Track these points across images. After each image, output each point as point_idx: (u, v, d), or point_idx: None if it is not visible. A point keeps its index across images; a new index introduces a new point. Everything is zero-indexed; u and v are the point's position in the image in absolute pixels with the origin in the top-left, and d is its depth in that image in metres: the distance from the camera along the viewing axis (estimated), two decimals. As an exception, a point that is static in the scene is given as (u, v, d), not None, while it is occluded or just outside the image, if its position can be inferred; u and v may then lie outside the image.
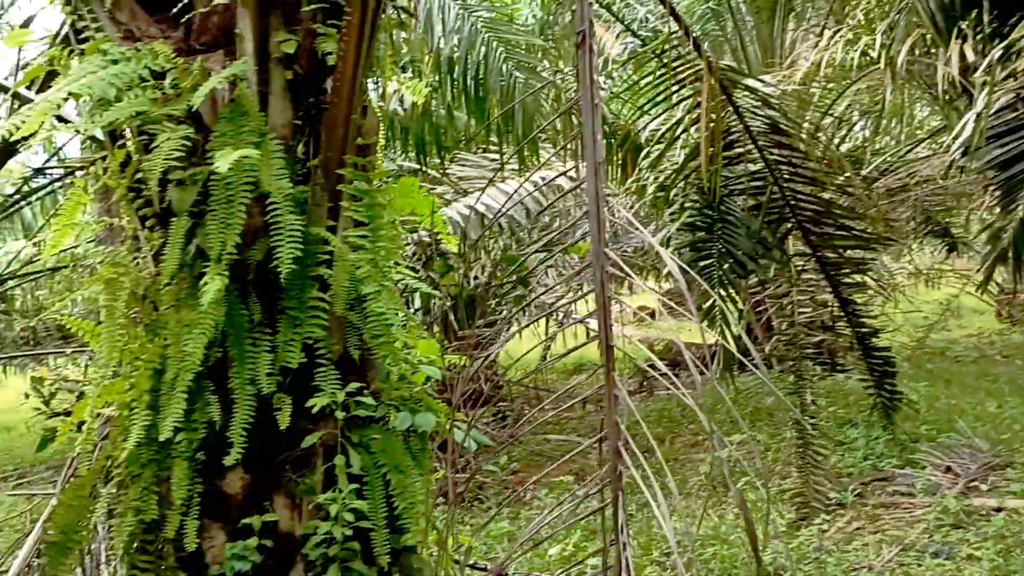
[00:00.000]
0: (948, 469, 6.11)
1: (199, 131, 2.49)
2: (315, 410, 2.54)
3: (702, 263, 5.92)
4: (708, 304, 5.81)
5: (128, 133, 2.69)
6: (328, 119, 2.61)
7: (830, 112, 8.95)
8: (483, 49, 5.59)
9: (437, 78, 6.50)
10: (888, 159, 9.50)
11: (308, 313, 2.56)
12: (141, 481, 2.54)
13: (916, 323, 13.69)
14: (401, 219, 3.40)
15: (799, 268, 6.70)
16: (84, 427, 2.63)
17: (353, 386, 2.62)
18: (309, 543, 2.53)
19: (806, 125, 8.89)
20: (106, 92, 2.30)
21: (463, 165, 9.15)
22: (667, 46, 4.95)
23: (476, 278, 10.13)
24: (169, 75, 2.43)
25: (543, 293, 8.87)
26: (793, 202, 5.93)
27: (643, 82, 5.53)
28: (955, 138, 4.37)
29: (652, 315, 18.29)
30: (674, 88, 5.40)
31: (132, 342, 2.56)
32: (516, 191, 7.51)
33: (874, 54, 6.74)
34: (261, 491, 2.62)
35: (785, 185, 5.82)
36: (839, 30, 6.94)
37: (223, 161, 2.18)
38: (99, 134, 2.72)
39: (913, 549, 4.96)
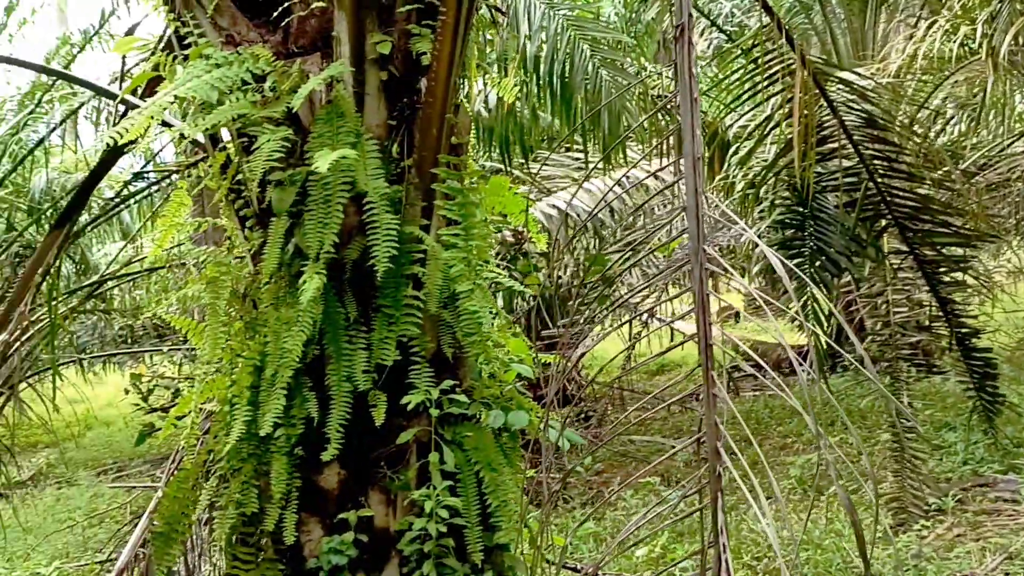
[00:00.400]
0: (1056, 475, 5.84)
1: (297, 132, 2.54)
2: (409, 407, 2.57)
3: (793, 262, 5.79)
4: (800, 303, 5.66)
5: (227, 136, 2.76)
6: (422, 119, 2.63)
7: (926, 106, 8.66)
8: (568, 47, 5.57)
9: (522, 77, 6.51)
10: (986, 154, 9.14)
11: (403, 311, 2.58)
12: (242, 475, 2.60)
13: (1017, 323, 13.17)
14: (489, 218, 3.42)
15: (895, 266, 6.50)
16: (188, 422, 2.71)
17: (447, 383, 2.63)
18: (404, 539, 2.56)
19: (901, 119, 8.63)
20: (209, 96, 2.36)
21: (547, 164, 9.15)
22: (757, 40, 4.84)
23: (560, 278, 10.13)
24: (268, 78, 2.49)
25: (631, 295, 8.79)
26: (889, 198, 5.75)
27: (731, 78, 5.42)
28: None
29: (736, 315, 18.11)
30: (764, 83, 5.29)
31: (233, 339, 2.62)
32: (608, 190, 7.47)
33: (973, 45, 6.50)
34: (356, 486, 2.66)
35: (880, 181, 5.64)
36: (935, 21, 6.69)
37: (322, 161, 2.22)
38: (200, 137, 2.80)
39: (1019, 558, 4.76)
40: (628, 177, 8.38)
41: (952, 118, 9.55)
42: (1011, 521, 5.34)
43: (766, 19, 4.65)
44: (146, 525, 2.93)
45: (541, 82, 6.30)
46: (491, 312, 2.60)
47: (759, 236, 6.19)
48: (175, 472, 2.90)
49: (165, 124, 2.94)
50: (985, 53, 5.79)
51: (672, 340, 10.91)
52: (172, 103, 2.30)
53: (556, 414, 3.13)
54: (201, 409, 2.79)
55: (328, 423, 2.53)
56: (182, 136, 2.54)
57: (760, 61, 5.21)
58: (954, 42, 6.47)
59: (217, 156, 2.72)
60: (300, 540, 2.63)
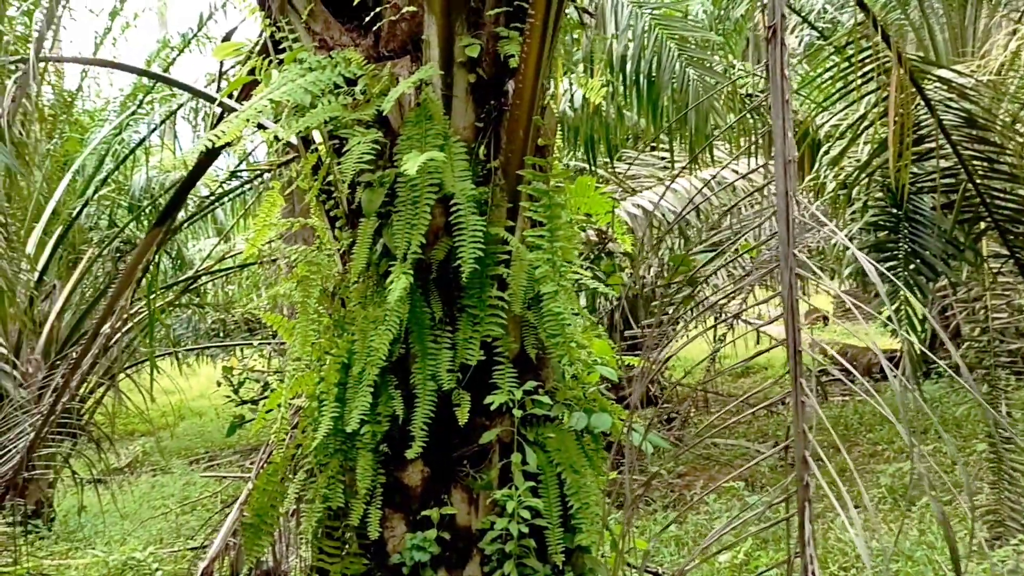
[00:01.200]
0: None
1: (387, 135, 2.58)
2: (492, 407, 2.59)
3: (886, 265, 5.63)
4: (893, 307, 5.50)
5: (319, 137, 2.83)
6: (509, 121, 2.64)
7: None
8: (655, 46, 5.52)
9: (608, 76, 6.47)
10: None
11: (487, 312, 2.60)
12: (328, 470, 2.66)
13: None
14: (575, 219, 3.41)
15: (994, 271, 6.26)
16: (277, 416, 2.78)
17: (530, 384, 2.65)
18: (486, 538, 2.58)
19: (1003, 118, 8.29)
20: (303, 99, 2.42)
21: (631, 163, 9.10)
22: (852, 37, 4.71)
23: (643, 278, 10.05)
24: (360, 81, 2.54)
25: (720, 298, 8.67)
26: (989, 200, 5.53)
27: (824, 76, 5.29)
28: None
29: (825, 319, 17.62)
30: (859, 82, 5.14)
31: (322, 337, 2.68)
32: (696, 191, 7.38)
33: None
34: (439, 484, 2.69)
35: (980, 182, 5.43)
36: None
37: (411, 164, 2.25)
38: (293, 139, 2.87)
39: (1125, 579, 4.53)
40: (716, 178, 8.27)
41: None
42: (1117, 539, 5.08)
43: (860, 15, 4.52)
44: (237, 515, 3.02)
45: (627, 81, 6.25)
46: (575, 313, 2.60)
47: (851, 238, 6.05)
48: (264, 465, 2.98)
49: (260, 126, 3.03)
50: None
51: (758, 343, 10.73)
52: (267, 106, 2.36)
53: (639, 417, 3.11)
54: (290, 404, 2.86)
55: (412, 421, 2.57)
56: (276, 138, 2.61)
57: (854, 59, 5.07)
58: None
59: (309, 158, 2.79)
60: (384, 535, 2.68)
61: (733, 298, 8.86)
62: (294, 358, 2.68)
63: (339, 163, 2.50)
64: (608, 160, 8.34)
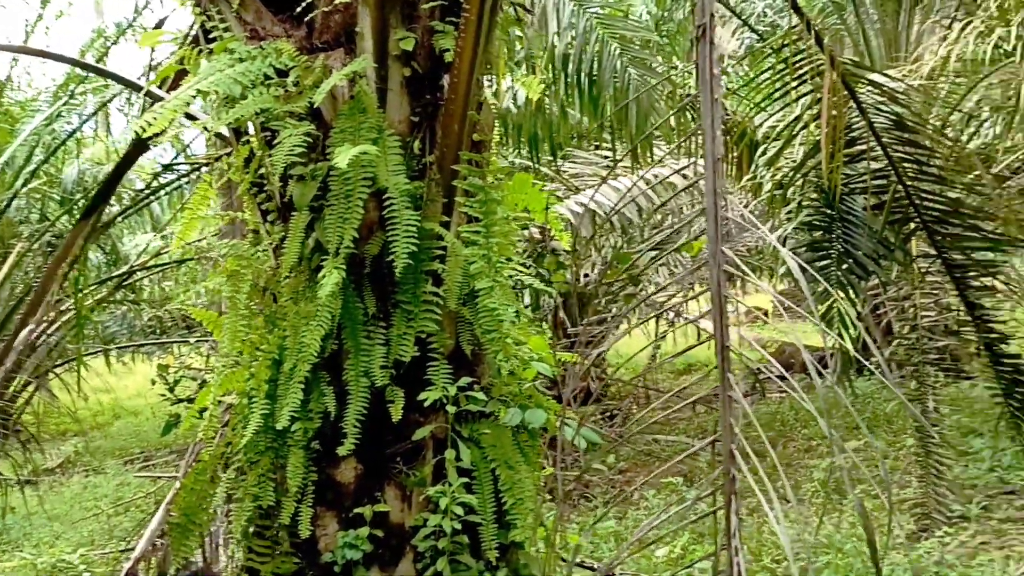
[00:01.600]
0: (1085, 486, 5.74)
1: (319, 127, 2.55)
2: (427, 404, 2.57)
3: (820, 263, 5.74)
4: (826, 306, 5.61)
5: (252, 130, 2.78)
6: (444, 115, 2.63)
7: (959, 109, 8.54)
8: (597, 45, 5.55)
9: (551, 75, 6.49)
10: (1021, 157, 8.99)
11: (421, 307, 2.59)
12: (259, 468, 2.62)
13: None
14: (514, 216, 3.41)
15: (923, 270, 6.42)
16: (206, 414, 2.73)
17: (464, 381, 2.64)
18: (419, 535, 2.56)
19: (933, 122, 8.50)
20: (232, 90, 2.38)
21: (575, 162, 9.12)
22: (787, 40, 4.79)
23: (587, 276, 10.11)
24: (292, 73, 2.50)
25: (655, 293, 8.77)
26: (918, 201, 5.67)
27: (761, 78, 5.37)
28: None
29: (765, 316, 17.94)
30: (793, 84, 5.23)
31: (252, 333, 2.64)
32: (629, 189, 7.45)
33: (1008, 47, 6.41)
34: (372, 482, 2.67)
35: (909, 183, 5.57)
36: (969, 22, 6.59)
37: (342, 157, 2.22)
38: (224, 131, 2.82)
39: (1045, 568, 4.69)
40: (656, 175, 8.35)
41: (985, 121, 9.42)
42: (1037, 530, 5.26)
43: (795, 19, 4.60)
44: (164, 515, 2.96)
45: (569, 80, 6.28)
46: (511, 310, 2.59)
47: (786, 238, 6.15)
48: (193, 464, 2.93)
49: (190, 117, 2.97)
50: (1020, 56, 5.69)
51: (699, 339, 10.86)
52: (195, 97, 2.32)
53: (575, 413, 3.12)
54: (220, 402, 2.81)
55: (345, 418, 2.54)
56: (207, 129, 2.56)
57: (789, 61, 5.16)
58: (988, 44, 6.37)
59: (240, 150, 2.74)
60: (315, 534, 2.64)
61: (672, 295, 8.97)
62: (223, 354, 2.63)
63: (270, 155, 2.46)
64: (552, 158, 8.37)
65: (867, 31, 10.13)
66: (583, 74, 5.92)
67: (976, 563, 4.86)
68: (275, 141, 2.46)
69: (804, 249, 5.83)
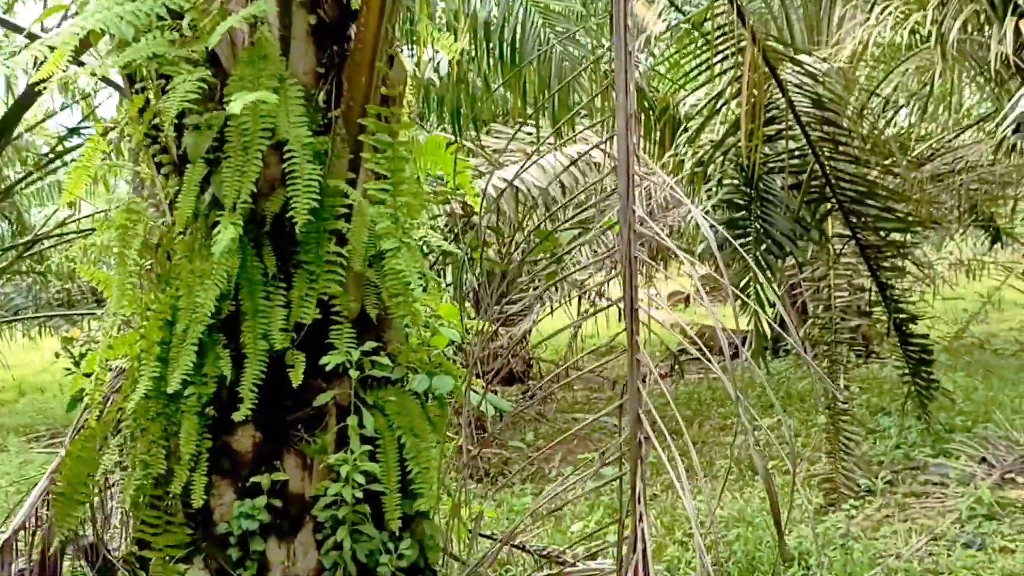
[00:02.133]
0: (983, 460, 5.93)
1: (217, 75, 2.41)
2: (328, 368, 2.47)
3: (739, 242, 5.78)
4: (742, 284, 5.65)
5: (148, 78, 2.62)
6: (351, 66, 2.52)
7: (876, 93, 8.71)
8: (520, 14, 5.46)
9: (473, 45, 6.37)
10: (934, 145, 9.24)
11: (324, 268, 2.48)
12: (149, 434, 2.49)
13: (956, 314, 13.43)
14: (433, 187, 3.32)
15: (838, 251, 6.53)
16: (93, 378, 2.58)
17: (369, 345, 2.54)
18: (319, 504, 2.46)
19: (852, 105, 8.64)
20: (123, 31, 2.22)
21: (499, 137, 9.03)
22: (708, 15, 4.77)
23: (510, 253, 10.04)
24: (188, 15, 2.35)
25: (575, 271, 8.75)
26: (834, 182, 5.75)
27: (686, 54, 5.35)
28: (1006, 116, 4.18)
29: (687, 299, 18.16)
30: (715, 60, 5.23)
31: (144, 292, 2.49)
32: (566, 168, 7.39)
33: (924, 32, 6.52)
34: (271, 449, 2.56)
35: (826, 163, 5.64)
36: (887, 7, 6.69)
37: (237, 103, 2.10)
38: (119, 79, 2.65)
39: (944, 539, 4.81)
40: (579, 152, 8.31)
41: (902, 106, 9.64)
42: (938, 504, 5.40)
43: (719, -6, 4.58)
44: (47, 485, 2.80)
45: (493, 51, 6.18)
46: (420, 273, 2.50)
47: (707, 214, 6.17)
48: (81, 431, 2.77)
49: (78, 63, 2.78)
50: (934, 41, 5.79)
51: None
52: (79, 35, 2.15)
53: (492, 389, 3.06)
54: (110, 365, 2.66)
55: (242, 383, 2.42)
56: (94, 75, 2.39)
57: (711, 37, 5.15)
58: (905, 29, 6.48)
59: (135, 99, 2.58)
60: (210, 504, 2.52)
61: (592, 274, 8.97)
62: (111, 313, 2.48)
63: (163, 103, 2.32)
64: (475, 133, 8.26)
65: (790, 15, 10.25)
66: (505, 45, 5.81)
67: (880, 535, 4.96)
68: (168, 87, 2.32)
69: (723, 227, 5.87)
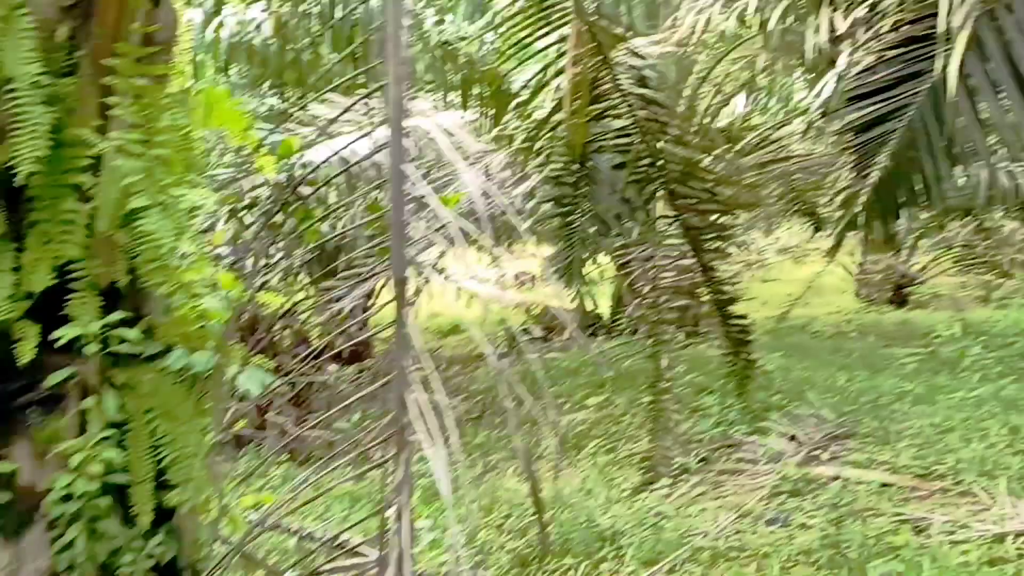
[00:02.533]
0: (793, 438, 6.14)
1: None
2: (60, 343, 2.16)
3: (569, 219, 5.73)
4: (565, 263, 5.58)
5: None
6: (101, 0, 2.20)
7: (706, 80, 8.87)
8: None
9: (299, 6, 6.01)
10: (763, 134, 9.52)
11: (62, 228, 2.16)
12: None
13: (782, 299, 14.04)
14: (251, 157, 3.01)
15: (664, 232, 6.60)
16: None
17: (114, 317, 2.24)
18: (49, 497, 2.16)
19: (687, 90, 8.77)
20: None
21: (336, 107, 8.66)
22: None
23: (344, 227, 9.69)
24: None
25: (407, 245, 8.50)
26: (660, 162, 5.77)
27: (511, 25, 5.21)
28: (815, 99, 4.26)
29: (532, 280, 18.20)
30: (543, 32, 5.11)
31: None
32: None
33: (751, 21, 6.65)
34: (-2, 436, 2.23)
35: (652, 144, 5.64)
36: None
37: (-67, 26, 1.76)
38: None
39: (750, 516, 4.93)
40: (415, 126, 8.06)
41: (732, 95, 9.88)
42: (749, 480, 5.54)
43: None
44: None
45: (320, 10, 5.83)
46: (177, 236, 2.22)
47: (534, 192, 6.08)
48: None
49: None
50: (758, 25, 5.89)
51: (457, 299, 10.78)
52: None
53: (252, 359, 2.81)
54: None
55: (-42, 358, 2.09)
56: None
57: (541, 7, 5.02)
58: (730, 16, 6.57)
59: None
60: (-79, 499, 2.17)
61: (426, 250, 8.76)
62: None
63: None
64: (303, 100, 7.89)
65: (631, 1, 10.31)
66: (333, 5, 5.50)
67: (691, 512, 5.04)
68: None
69: (551, 204, 5.80)
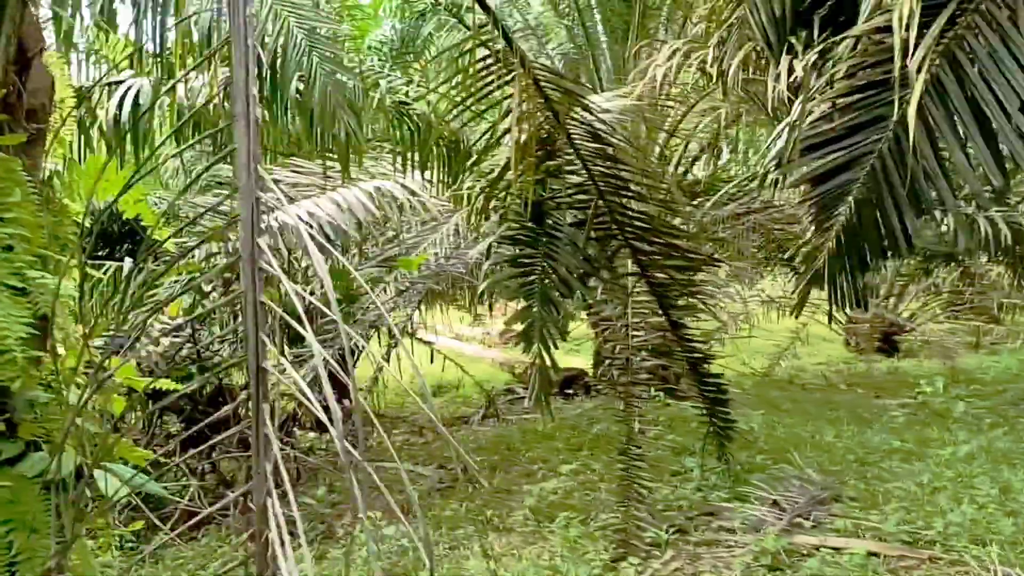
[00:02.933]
0: (775, 503, 5.82)
1: None
2: None
3: (524, 279, 5.50)
4: (526, 325, 5.34)
5: None
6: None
7: (675, 132, 8.75)
8: (283, 34, 4.99)
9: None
10: (740, 184, 9.37)
11: None
12: None
13: (768, 351, 13.80)
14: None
15: (631, 289, 6.37)
16: None
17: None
18: None
19: (655, 144, 8.64)
20: None
21: (299, 171, 8.51)
22: (474, 40, 4.46)
23: (312, 292, 9.47)
24: None
25: (367, 311, 8.27)
26: (620, 218, 5.57)
27: (450, 84, 5.03)
28: (769, 149, 4.05)
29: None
30: (489, 88, 4.93)
31: None
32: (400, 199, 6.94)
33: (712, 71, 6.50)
34: None
35: (610, 199, 5.44)
36: (675, 47, 6.66)
37: None
38: None
39: (727, 594, 4.61)
40: (378, 188, 7.91)
41: (708, 147, 9.76)
42: (727, 553, 5.22)
43: (481, 15, 4.28)
44: None
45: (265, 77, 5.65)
46: (20, 323, 1.97)
47: (490, 249, 5.85)
48: None
49: None
50: (715, 76, 5.73)
51: (432, 359, 10.49)
52: None
53: (150, 452, 2.53)
54: None
55: None
56: None
57: (480, 64, 4.84)
58: (691, 66, 6.44)
59: None
60: None
61: (389, 312, 8.51)
62: None
63: None
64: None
65: (597, 57, 10.27)
66: (265, 66, 5.32)
67: (664, 591, 4.72)
68: None
69: (508, 264, 5.57)
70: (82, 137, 6.48)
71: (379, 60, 11.83)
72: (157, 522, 4.71)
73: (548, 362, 5.32)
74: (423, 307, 10.47)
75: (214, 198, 8.44)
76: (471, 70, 4.70)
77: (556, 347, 5.37)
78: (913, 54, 3.78)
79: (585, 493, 6.84)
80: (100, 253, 10.95)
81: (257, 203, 1.62)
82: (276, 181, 8.21)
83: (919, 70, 3.66)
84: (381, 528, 6.01)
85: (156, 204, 11.57)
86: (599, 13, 10.47)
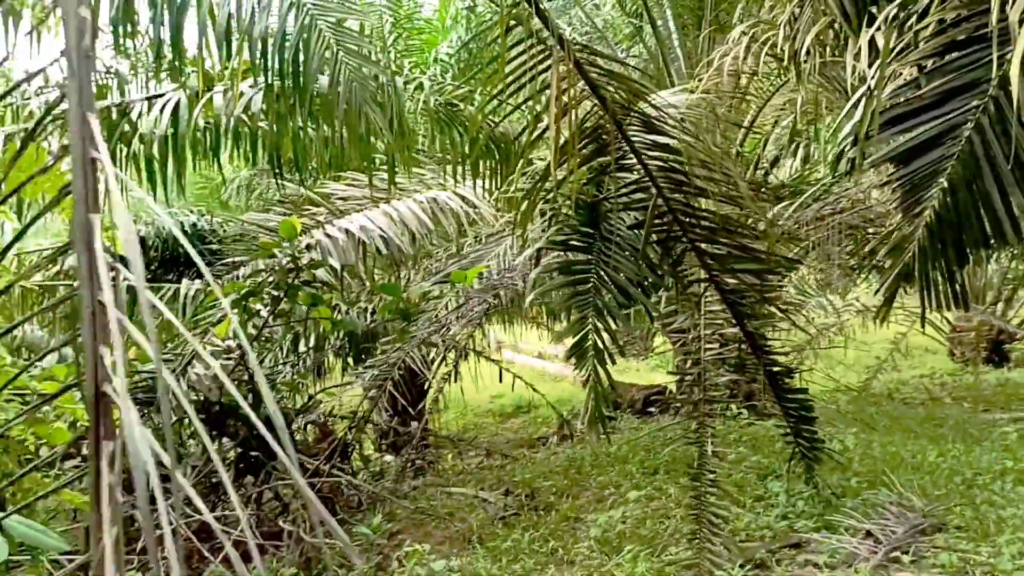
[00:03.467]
0: (868, 534, 5.14)
1: None
2: None
3: (577, 288, 4.99)
4: (578, 338, 4.82)
5: None
6: None
7: (746, 127, 8.14)
8: (303, 28, 4.63)
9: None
10: (823, 186, 8.67)
11: None
12: None
13: (865, 365, 12.93)
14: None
15: (702, 298, 5.81)
16: None
17: None
18: None
19: (724, 139, 8.03)
20: None
21: (356, 185, 8.22)
22: (505, 20, 3.99)
23: (368, 310, 9.17)
24: None
25: (434, 327, 7.88)
26: (684, 218, 5.01)
27: (485, 72, 4.57)
28: (842, 125, 3.47)
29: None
30: (530, 74, 4.45)
31: None
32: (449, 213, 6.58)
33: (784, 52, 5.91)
34: None
35: (671, 196, 4.89)
36: (744, 29, 6.08)
37: None
38: None
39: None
40: (433, 199, 7.55)
41: (788, 144, 9.09)
42: (814, 592, 4.58)
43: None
44: None
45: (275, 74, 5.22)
46: None
47: (544, 252, 5.38)
48: None
49: None
50: (787, 58, 5.15)
51: (501, 378, 10.04)
52: None
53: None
54: None
55: None
56: None
57: (514, 52, 4.37)
58: (763, 50, 5.86)
59: None
60: None
61: (447, 328, 8.09)
62: None
63: None
64: (305, 179, 7.42)
65: (666, 54, 9.71)
66: (287, 64, 4.94)
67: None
68: None
69: (557, 272, 5.07)
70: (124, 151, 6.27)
71: (441, 70, 11.54)
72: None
73: (603, 379, 4.78)
74: (504, 324, 10.01)
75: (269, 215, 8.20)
76: (503, 56, 4.24)
77: (613, 362, 4.83)
78: (1014, 3, 3.18)
79: (658, 521, 6.25)
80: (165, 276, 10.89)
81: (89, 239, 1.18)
82: (327, 196, 7.92)
83: (1022, 22, 3.05)
84: (431, 561, 5.55)
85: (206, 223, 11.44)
86: (670, 10, 9.94)
